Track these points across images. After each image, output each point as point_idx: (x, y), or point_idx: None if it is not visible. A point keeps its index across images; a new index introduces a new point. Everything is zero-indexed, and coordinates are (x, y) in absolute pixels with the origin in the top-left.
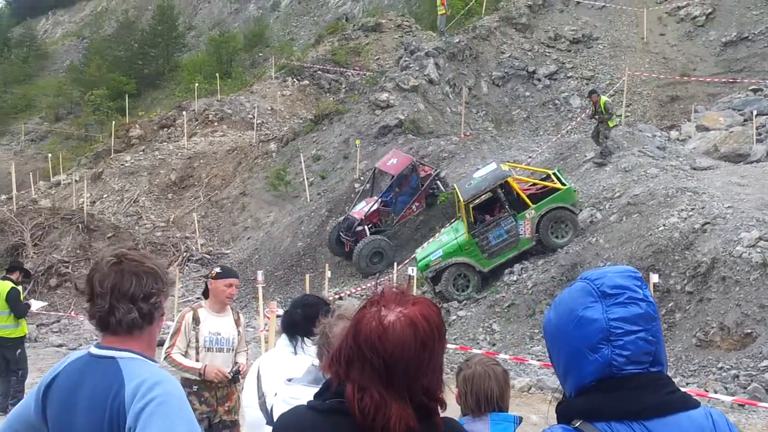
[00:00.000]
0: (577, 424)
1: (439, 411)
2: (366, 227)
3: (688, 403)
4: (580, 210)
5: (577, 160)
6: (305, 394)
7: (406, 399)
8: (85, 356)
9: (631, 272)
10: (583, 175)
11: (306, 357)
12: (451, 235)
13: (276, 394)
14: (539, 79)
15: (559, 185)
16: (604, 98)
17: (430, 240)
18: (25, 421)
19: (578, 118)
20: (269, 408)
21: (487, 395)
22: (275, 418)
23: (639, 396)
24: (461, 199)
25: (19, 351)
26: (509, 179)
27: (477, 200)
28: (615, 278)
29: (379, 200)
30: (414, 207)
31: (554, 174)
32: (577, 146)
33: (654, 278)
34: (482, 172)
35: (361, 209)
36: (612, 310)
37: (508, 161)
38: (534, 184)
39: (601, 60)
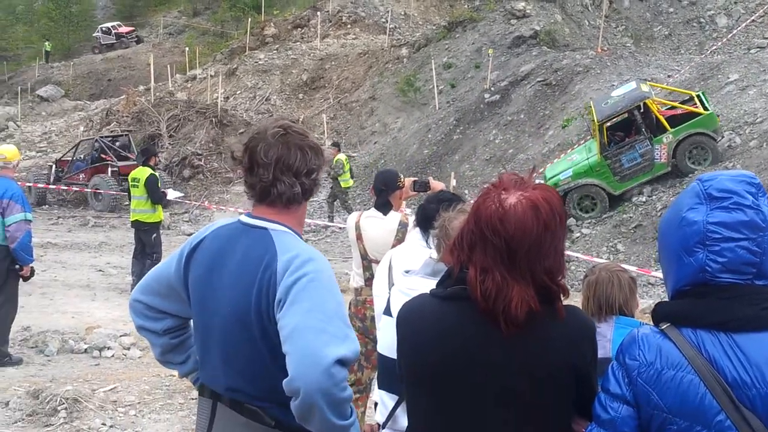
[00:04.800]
0: (663, 327)
1: (561, 299)
2: (54, 167)
3: None
4: (721, 137)
5: (719, 81)
6: (422, 285)
7: (528, 281)
8: (236, 223)
9: (746, 177)
10: (725, 98)
11: None
12: (583, 155)
13: (393, 285)
14: None
15: (700, 110)
16: (339, 156)
17: (561, 156)
18: (165, 281)
19: (724, 39)
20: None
21: (609, 300)
22: (392, 309)
23: (729, 306)
24: (595, 119)
25: (154, 235)
26: (648, 101)
27: (612, 121)
28: (725, 181)
29: (75, 156)
30: (81, 176)
31: (698, 97)
32: (720, 67)
33: None
34: (620, 92)
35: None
36: (713, 214)
37: (647, 80)
38: (674, 107)
39: None
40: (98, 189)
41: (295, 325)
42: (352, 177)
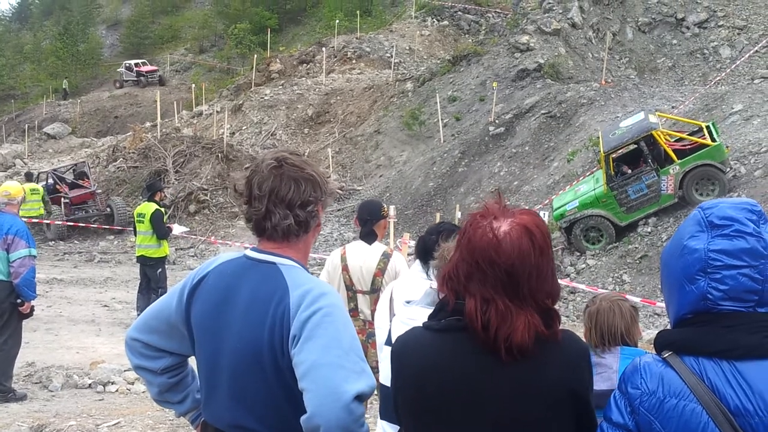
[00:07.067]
0: (665, 356)
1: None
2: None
3: None
4: (729, 168)
5: (724, 112)
6: (422, 315)
7: (532, 307)
8: (241, 258)
9: (747, 204)
10: (729, 128)
11: None
12: (590, 185)
13: (395, 316)
14: (688, 27)
15: (708, 141)
16: (26, 185)
17: (567, 188)
18: (165, 318)
19: (728, 70)
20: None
21: (612, 330)
22: (393, 339)
23: (731, 334)
24: (602, 149)
25: (159, 270)
26: (654, 132)
27: (618, 152)
28: (726, 209)
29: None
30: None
31: (707, 128)
32: (724, 98)
33: None
34: (628, 122)
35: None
36: (715, 242)
37: (656, 110)
38: (681, 139)
39: (755, 9)
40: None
41: (312, 361)
42: (47, 209)
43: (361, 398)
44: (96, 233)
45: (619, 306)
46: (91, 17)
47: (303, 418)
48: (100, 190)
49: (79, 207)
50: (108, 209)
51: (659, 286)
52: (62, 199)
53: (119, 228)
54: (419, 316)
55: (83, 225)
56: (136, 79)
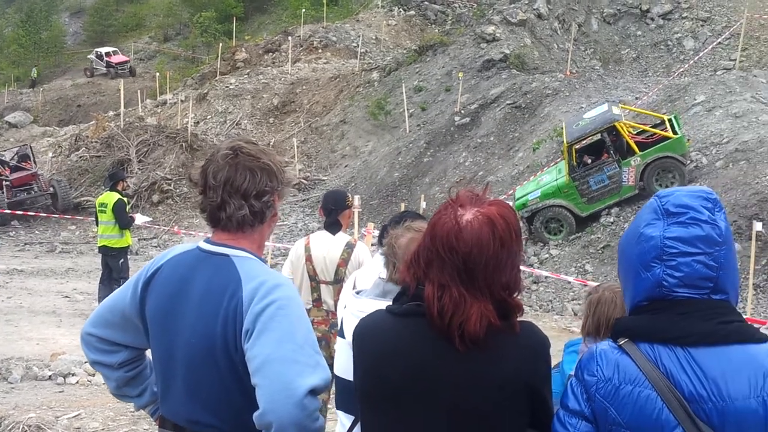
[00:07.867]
0: (621, 342)
1: (517, 314)
2: None
3: (748, 336)
4: (690, 161)
5: (686, 103)
6: (372, 307)
7: (486, 297)
8: (194, 251)
9: (703, 192)
10: (691, 119)
11: None
12: (553, 176)
13: (345, 307)
14: (652, 19)
15: (670, 134)
16: None
17: (531, 178)
18: (119, 312)
19: (691, 61)
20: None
21: (609, 321)
22: (345, 331)
23: (685, 321)
24: (564, 140)
25: (122, 260)
26: (617, 123)
27: (581, 142)
28: (682, 197)
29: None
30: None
31: (669, 120)
32: (687, 89)
33: (757, 227)
34: (592, 114)
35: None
36: (670, 229)
37: (618, 102)
38: (644, 131)
39: (718, 1)
40: None
41: (265, 356)
42: None
43: (315, 392)
44: (58, 223)
45: (621, 298)
46: (54, 4)
47: (255, 414)
48: (41, 171)
49: (21, 189)
50: (51, 189)
51: None
52: (3, 182)
53: (59, 214)
54: (368, 308)
55: (24, 212)
56: (105, 70)
